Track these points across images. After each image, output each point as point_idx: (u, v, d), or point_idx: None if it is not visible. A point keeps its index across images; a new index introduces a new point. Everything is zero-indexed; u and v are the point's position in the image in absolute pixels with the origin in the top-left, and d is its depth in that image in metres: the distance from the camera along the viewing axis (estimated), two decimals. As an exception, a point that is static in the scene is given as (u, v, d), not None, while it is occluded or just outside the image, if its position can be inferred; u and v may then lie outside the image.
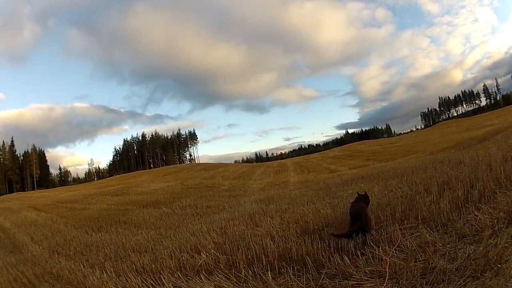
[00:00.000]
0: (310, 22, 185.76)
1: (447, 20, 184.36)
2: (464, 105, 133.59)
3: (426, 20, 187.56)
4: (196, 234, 5.86)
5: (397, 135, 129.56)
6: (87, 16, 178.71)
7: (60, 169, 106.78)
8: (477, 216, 3.24)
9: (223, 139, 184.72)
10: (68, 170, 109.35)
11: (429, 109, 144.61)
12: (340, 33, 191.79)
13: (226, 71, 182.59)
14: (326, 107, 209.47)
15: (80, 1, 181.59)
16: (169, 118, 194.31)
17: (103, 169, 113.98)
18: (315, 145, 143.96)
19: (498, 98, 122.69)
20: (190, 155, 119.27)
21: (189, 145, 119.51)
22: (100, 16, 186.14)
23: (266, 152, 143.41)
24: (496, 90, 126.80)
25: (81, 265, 5.51)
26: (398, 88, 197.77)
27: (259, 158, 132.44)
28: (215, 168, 51.76)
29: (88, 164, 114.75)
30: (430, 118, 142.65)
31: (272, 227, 4.86)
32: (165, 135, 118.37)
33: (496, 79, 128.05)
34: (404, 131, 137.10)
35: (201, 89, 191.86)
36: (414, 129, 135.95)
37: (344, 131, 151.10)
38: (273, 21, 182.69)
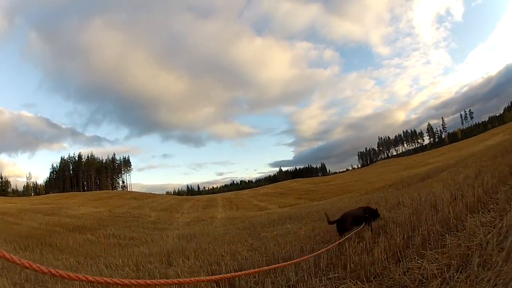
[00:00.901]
0: (256, 59, 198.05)
1: (396, 62, 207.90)
2: (405, 145, 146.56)
3: (375, 63, 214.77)
4: (111, 267, 6.02)
5: (332, 174, 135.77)
6: (49, 20, 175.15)
7: (1, 177, 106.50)
8: (421, 263, 3.00)
9: (157, 169, 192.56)
10: (8, 180, 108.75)
11: (367, 149, 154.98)
12: (284, 72, 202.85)
13: (166, 100, 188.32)
14: (261, 144, 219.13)
15: (48, 1, 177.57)
16: (106, 141, 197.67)
17: (40, 185, 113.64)
18: (247, 181, 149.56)
19: (443, 136, 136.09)
20: (123, 182, 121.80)
21: (123, 172, 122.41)
22: (60, 22, 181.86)
23: (198, 185, 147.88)
24: (441, 128, 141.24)
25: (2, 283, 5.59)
26: (336, 128, 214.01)
27: (190, 191, 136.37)
28: (145, 198, 52.92)
29: (27, 178, 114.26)
30: (368, 157, 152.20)
31: (182, 269, 4.86)
32: (101, 159, 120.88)
33: (442, 118, 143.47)
34: (340, 170, 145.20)
35: (140, 115, 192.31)
36: (351, 168, 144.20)
37: (277, 169, 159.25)
38: (220, 54, 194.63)
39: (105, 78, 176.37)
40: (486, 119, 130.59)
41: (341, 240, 4.17)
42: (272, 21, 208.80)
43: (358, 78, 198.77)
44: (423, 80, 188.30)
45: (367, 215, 4.77)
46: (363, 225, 4.63)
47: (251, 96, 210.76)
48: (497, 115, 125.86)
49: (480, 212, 3.93)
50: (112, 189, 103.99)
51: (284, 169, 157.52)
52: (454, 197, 5.13)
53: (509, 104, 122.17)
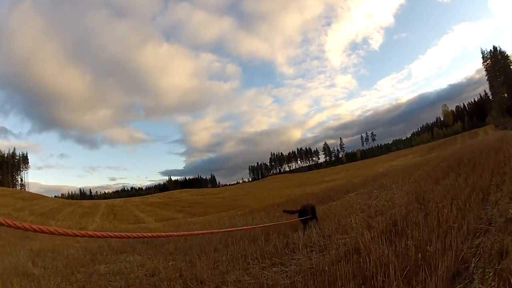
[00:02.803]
0: (159, 66, 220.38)
1: (299, 83, 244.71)
2: (299, 161, 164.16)
3: (276, 81, 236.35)
4: None
5: (222, 186, 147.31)
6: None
7: None
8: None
9: (54, 169, 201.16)
10: None
11: (259, 163, 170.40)
12: (184, 82, 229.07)
13: (68, 97, 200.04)
14: (153, 152, 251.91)
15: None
16: (12, 134, 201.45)
17: None
18: (137, 189, 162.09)
19: (340, 156, 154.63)
20: (22, 180, 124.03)
21: (21, 169, 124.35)
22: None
23: (90, 189, 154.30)
24: (339, 148, 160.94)
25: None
26: (229, 141, 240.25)
27: (82, 195, 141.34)
28: (33, 199, 54.11)
29: None
30: (259, 172, 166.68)
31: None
32: (3, 152, 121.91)
33: (341, 138, 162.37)
34: (231, 183, 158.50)
35: (42, 110, 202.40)
36: (241, 181, 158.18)
37: (167, 178, 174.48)
38: (126, 57, 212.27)
39: (18, 66, 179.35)
40: (390, 142, 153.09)
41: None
42: (183, 29, 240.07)
43: (256, 95, 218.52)
44: (325, 102, 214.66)
45: (313, 212, 7.71)
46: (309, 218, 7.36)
47: (149, 102, 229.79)
48: (403, 138, 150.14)
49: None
50: (12, 187, 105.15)
51: (174, 178, 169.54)
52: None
53: (418, 129, 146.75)
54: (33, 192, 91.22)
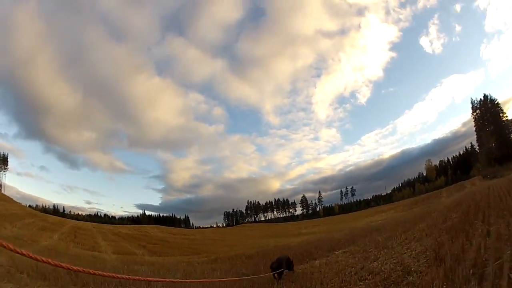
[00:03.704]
0: (148, 98, 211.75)
1: (283, 133, 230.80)
2: (275, 212, 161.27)
3: (261, 130, 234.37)
4: None
5: (195, 228, 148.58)
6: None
7: None
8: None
9: (33, 179, 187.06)
10: None
11: (234, 210, 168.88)
12: (170, 118, 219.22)
13: (56, 111, 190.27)
14: (132, 183, 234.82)
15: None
16: None
17: None
18: (110, 217, 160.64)
19: (318, 209, 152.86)
20: None
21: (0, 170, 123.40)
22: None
23: (64, 207, 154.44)
24: (317, 201, 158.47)
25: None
26: (207, 184, 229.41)
27: (56, 211, 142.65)
28: (1, 200, 54.78)
29: None
30: (234, 218, 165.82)
31: None
32: None
33: (319, 191, 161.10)
34: (204, 226, 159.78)
35: (31, 118, 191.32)
36: (215, 226, 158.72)
37: (142, 211, 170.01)
38: (116, 81, 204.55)
39: (14, 66, 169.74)
40: (370, 197, 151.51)
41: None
42: (176, 65, 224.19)
43: (240, 141, 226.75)
44: (307, 155, 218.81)
45: (288, 263, 7.96)
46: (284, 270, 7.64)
47: (133, 132, 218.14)
48: (383, 194, 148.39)
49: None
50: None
51: (148, 213, 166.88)
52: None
53: (399, 185, 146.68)
54: (7, 195, 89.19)
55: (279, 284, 7.19)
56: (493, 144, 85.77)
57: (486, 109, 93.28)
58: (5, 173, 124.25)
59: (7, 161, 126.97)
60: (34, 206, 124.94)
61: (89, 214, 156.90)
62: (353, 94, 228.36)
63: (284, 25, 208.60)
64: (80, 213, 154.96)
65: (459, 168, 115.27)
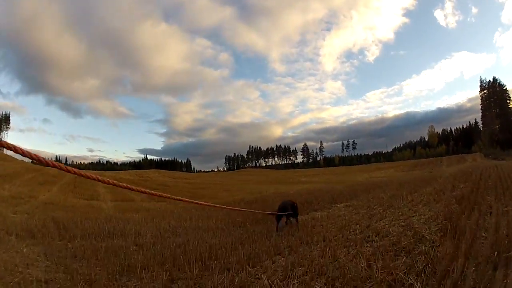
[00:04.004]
0: (154, 44, 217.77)
1: (288, 81, 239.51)
2: (276, 158, 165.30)
3: (266, 76, 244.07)
4: None
5: (196, 172, 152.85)
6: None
7: None
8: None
9: (36, 133, 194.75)
10: None
11: (236, 154, 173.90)
12: (175, 63, 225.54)
13: (60, 63, 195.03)
14: (134, 128, 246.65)
15: None
16: (0, 93, 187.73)
17: None
18: (112, 163, 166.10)
19: (319, 159, 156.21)
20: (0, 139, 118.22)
21: (2, 129, 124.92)
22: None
23: (66, 157, 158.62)
24: (318, 151, 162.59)
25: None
26: (210, 129, 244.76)
27: (58, 162, 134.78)
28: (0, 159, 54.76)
29: None
30: (235, 163, 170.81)
31: None
32: None
33: (321, 141, 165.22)
34: (205, 170, 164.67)
35: (34, 73, 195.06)
36: (216, 170, 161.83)
37: (143, 156, 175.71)
38: (123, 31, 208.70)
39: (17, 24, 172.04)
40: (371, 153, 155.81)
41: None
42: (184, 11, 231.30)
43: (244, 87, 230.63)
44: (310, 104, 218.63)
45: (294, 209, 7.80)
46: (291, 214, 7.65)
47: (137, 78, 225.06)
48: (384, 151, 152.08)
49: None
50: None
51: (150, 157, 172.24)
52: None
53: (400, 145, 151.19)
54: (8, 154, 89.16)
55: (278, 237, 6.93)
56: (497, 127, 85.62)
57: (494, 91, 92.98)
58: (7, 132, 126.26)
59: (9, 120, 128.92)
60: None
61: (91, 162, 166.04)
62: (361, 51, 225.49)
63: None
64: (82, 162, 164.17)
65: (461, 140, 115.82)
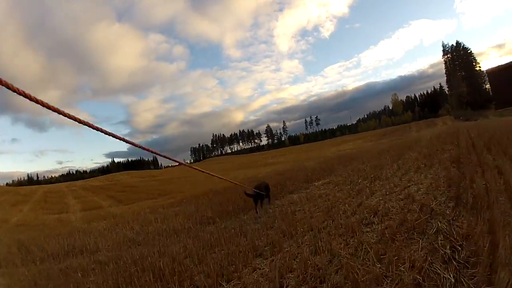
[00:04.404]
0: (108, 45, 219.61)
1: (245, 65, 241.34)
2: (241, 143, 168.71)
3: (222, 63, 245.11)
4: None
5: (164, 168, 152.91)
6: None
7: None
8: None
9: (6, 155, 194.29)
10: None
11: (200, 145, 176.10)
12: (131, 62, 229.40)
13: (21, 79, 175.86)
14: (98, 134, 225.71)
15: None
16: None
17: None
18: (82, 172, 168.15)
19: (283, 139, 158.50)
20: None
21: None
22: None
23: (37, 174, 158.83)
24: (282, 131, 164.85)
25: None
26: (172, 123, 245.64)
27: (30, 180, 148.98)
28: None
29: None
30: (201, 153, 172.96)
31: None
32: None
33: (284, 121, 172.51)
34: (172, 164, 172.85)
35: None
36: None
37: (111, 160, 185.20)
38: (78, 37, 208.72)
39: None
40: (335, 127, 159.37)
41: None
42: (136, 9, 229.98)
43: (201, 76, 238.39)
44: (269, 86, 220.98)
45: (267, 190, 7.89)
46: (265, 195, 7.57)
47: (96, 82, 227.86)
48: (348, 124, 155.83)
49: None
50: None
51: (117, 160, 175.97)
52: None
53: (365, 116, 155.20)
54: None
55: (255, 232, 5.74)
56: (464, 89, 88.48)
57: (458, 55, 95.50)
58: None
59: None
60: (11, 182, 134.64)
61: (62, 175, 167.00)
62: (316, 28, 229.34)
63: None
64: (53, 176, 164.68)
65: (426, 106, 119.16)
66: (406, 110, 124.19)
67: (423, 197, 5.17)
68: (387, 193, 6.07)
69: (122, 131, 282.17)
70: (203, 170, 5.02)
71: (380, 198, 5.82)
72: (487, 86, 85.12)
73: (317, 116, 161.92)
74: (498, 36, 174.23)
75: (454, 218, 4.00)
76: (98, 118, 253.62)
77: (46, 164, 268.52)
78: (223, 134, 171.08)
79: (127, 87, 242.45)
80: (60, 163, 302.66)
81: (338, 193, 7.38)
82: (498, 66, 70.71)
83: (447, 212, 4.27)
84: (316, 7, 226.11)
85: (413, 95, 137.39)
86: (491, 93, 77.79)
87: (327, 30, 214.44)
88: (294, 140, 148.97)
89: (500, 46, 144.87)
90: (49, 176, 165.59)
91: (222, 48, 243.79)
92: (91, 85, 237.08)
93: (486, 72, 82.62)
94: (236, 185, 8.72)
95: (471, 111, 73.67)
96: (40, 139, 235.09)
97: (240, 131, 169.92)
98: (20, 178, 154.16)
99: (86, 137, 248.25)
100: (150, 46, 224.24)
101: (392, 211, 4.84)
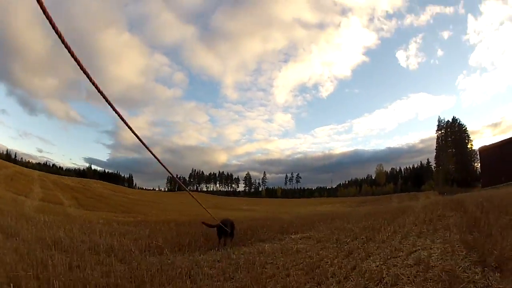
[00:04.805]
0: (114, 53, 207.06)
1: (238, 109, 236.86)
2: (218, 185, 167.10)
3: (217, 101, 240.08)
4: None
5: (138, 188, 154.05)
6: None
7: None
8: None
9: None
10: None
11: (178, 176, 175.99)
12: (131, 76, 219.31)
13: (26, 55, 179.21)
14: (83, 135, 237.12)
15: None
16: None
17: None
18: (58, 167, 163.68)
19: (260, 189, 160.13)
20: None
21: None
22: None
23: (16, 153, 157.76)
24: (261, 182, 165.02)
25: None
26: (155, 147, 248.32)
27: (8, 156, 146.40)
28: None
29: None
30: (177, 184, 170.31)
31: None
32: None
33: (265, 172, 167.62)
34: (147, 188, 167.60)
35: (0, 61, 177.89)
36: (157, 189, 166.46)
37: (88, 165, 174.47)
38: (87, 33, 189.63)
39: None
40: (314, 188, 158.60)
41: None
42: (149, 23, 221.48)
43: (195, 109, 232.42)
44: (258, 134, 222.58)
45: (232, 228, 7.99)
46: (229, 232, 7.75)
47: (92, 85, 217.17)
48: (328, 187, 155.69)
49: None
50: None
51: (94, 167, 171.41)
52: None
53: (346, 182, 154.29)
54: None
55: (207, 279, 4.26)
56: (453, 166, 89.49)
57: (452, 131, 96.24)
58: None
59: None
60: None
61: (38, 163, 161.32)
62: (315, 86, 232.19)
63: (264, 7, 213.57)
64: (30, 161, 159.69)
65: (410, 179, 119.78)
66: (388, 181, 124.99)
67: (440, 263, 3.87)
68: (389, 257, 4.72)
69: (106, 141, 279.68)
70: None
71: (381, 262, 4.47)
72: (476, 164, 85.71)
73: (298, 174, 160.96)
74: (496, 114, 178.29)
75: (488, 285, 2.76)
76: (86, 120, 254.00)
77: (27, 147, 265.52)
78: (202, 171, 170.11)
79: (121, 99, 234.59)
80: (40, 151, 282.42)
81: (322, 251, 5.99)
82: (491, 144, 71.08)
83: (477, 277, 3.05)
84: (320, 65, 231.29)
85: (398, 168, 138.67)
86: (479, 172, 78.19)
87: (326, 90, 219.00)
88: (271, 193, 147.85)
89: (495, 125, 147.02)
90: (27, 160, 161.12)
91: (221, 86, 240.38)
92: (87, 86, 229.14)
93: (478, 150, 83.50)
94: (202, 223, 8.21)
95: (456, 188, 73.78)
96: (28, 121, 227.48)
97: (219, 172, 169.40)
98: (0, 151, 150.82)
99: (71, 135, 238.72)
100: (153, 65, 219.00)
101: (402, 279, 3.50)
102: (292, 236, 8.45)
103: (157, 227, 11.11)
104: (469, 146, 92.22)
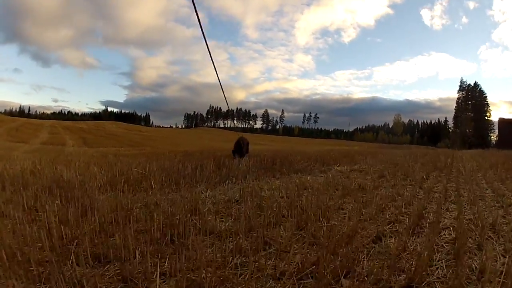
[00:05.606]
0: None
1: (259, 48, 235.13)
2: (235, 121, 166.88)
3: (237, 40, 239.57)
4: None
5: (155, 126, 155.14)
6: None
7: None
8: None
9: (5, 83, 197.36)
10: None
11: (195, 113, 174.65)
12: (149, 18, 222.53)
13: (37, 11, 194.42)
14: (99, 79, 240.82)
15: None
16: None
17: None
18: (74, 114, 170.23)
19: (278, 127, 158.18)
20: None
21: None
22: None
23: (29, 107, 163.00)
24: (278, 119, 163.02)
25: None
26: (173, 85, 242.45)
27: (21, 112, 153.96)
28: None
29: None
30: (194, 121, 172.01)
31: None
32: None
33: (283, 110, 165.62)
34: (164, 125, 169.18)
35: (11, 22, 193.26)
36: (174, 126, 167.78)
37: (104, 108, 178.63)
38: None
39: None
40: (331, 129, 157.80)
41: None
42: None
43: (214, 47, 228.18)
44: (277, 73, 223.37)
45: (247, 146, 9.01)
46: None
47: (109, 30, 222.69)
48: (345, 130, 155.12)
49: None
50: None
51: (110, 109, 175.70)
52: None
53: (363, 127, 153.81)
54: None
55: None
56: (471, 130, 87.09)
57: (473, 96, 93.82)
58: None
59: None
60: (3, 111, 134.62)
61: (54, 112, 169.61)
62: (337, 32, 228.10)
63: None
64: (45, 112, 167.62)
65: (427, 134, 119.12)
66: (405, 133, 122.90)
67: None
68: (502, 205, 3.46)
69: (122, 82, 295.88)
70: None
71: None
72: (491, 135, 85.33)
73: (316, 114, 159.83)
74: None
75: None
76: (103, 64, 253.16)
77: (41, 99, 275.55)
78: (220, 108, 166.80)
79: (139, 41, 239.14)
80: (56, 101, 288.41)
81: (384, 189, 4.72)
82: (510, 119, 70.02)
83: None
84: (343, 11, 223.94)
85: (416, 121, 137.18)
86: (494, 143, 76.52)
87: (348, 36, 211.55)
88: (288, 131, 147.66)
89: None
90: (41, 112, 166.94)
91: (241, 26, 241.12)
92: (104, 31, 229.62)
93: (498, 121, 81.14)
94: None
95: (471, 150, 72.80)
96: (41, 74, 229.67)
97: (237, 108, 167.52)
98: (12, 109, 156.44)
99: (87, 80, 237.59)
100: (171, 7, 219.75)
101: None
102: (338, 168, 7.29)
103: (165, 158, 9.53)
104: (487, 115, 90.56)
